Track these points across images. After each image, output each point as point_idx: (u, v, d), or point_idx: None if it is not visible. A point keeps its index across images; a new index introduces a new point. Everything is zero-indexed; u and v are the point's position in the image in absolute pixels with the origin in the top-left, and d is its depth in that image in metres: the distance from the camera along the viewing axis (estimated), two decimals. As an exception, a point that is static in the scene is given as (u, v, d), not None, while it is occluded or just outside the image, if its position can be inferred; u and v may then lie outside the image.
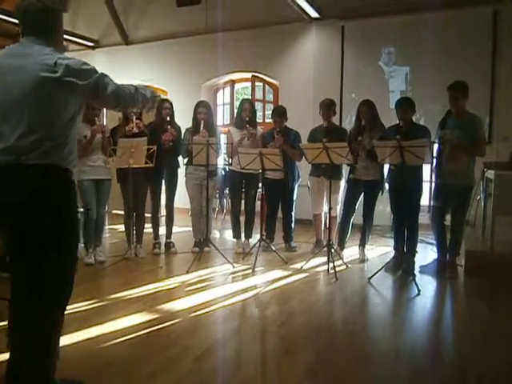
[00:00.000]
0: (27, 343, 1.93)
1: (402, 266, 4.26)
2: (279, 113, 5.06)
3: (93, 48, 9.10)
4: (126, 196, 4.66)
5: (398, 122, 4.35)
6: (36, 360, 1.94)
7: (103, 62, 8.98)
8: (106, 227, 5.66)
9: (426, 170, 4.38)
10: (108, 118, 7.46)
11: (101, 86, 1.97)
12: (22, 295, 1.97)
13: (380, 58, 6.68)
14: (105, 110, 7.19)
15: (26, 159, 1.86)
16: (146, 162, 4.36)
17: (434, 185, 4.38)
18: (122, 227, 5.12)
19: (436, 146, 4.29)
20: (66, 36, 8.59)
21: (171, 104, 4.95)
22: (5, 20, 7.54)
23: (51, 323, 1.99)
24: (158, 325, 2.99)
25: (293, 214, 5.24)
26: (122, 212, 4.87)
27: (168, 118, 4.78)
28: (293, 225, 5.29)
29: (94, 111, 4.34)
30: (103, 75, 2.01)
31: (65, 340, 2.63)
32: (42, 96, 1.86)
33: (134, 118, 4.53)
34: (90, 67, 1.98)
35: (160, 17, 8.29)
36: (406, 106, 4.29)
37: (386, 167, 4.57)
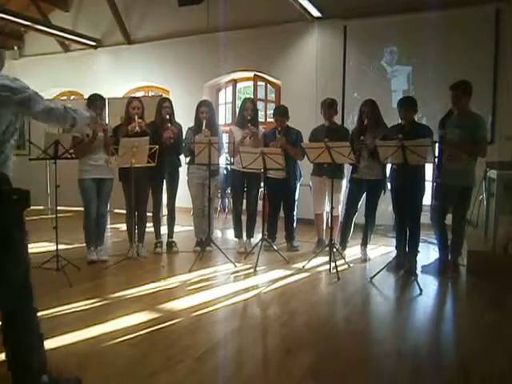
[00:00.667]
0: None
1: (403, 266, 4.26)
2: (281, 112, 5.06)
3: (95, 47, 9.10)
4: (127, 195, 4.66)
5: (400, 121, 4.34)
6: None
7: (105, 62, 9.00)
8: (108, 226, 5.67)
9: (428, 169, 4.38)
10: (110, 117, 7.46)
11: (33, 103, 2.15)
12: None
13: (382, 58, 6.67)
14: (107, 109, 7.23)
15: None
16: (148, 162, 4.36)
17: (435, 184, 4.37)
18: (123, 226, 5.12)
19: (437, 146, 4.29)
20: (68, 35, 8.63)
21: (171, 103, 4.95)
22: (10, 20, 7.57)
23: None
24: (159, 324, 2.99)
25: (295, 213, 5.23)
26: (124, 211, 4.88)
27: (168, 117, 4.78)
28: (295, 224, 5.28)
29: (96, 110, 4.34)
30: (35, 93, 2.18)
31: (66, 339, 2.65)
32: None
33: (136, 117, 4.54)
34: (22, 84, 2.15)
35: (162, 16, 8.29)
36: (408, 105, 4.29)
37: (389, 166, 4.56)
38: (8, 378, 2.04)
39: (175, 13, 7.85)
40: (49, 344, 2.35)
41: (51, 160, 4.08)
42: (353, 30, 6.76)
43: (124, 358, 2.53)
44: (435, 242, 4.70)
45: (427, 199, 4.41)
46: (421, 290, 3.74)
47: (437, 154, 4.26)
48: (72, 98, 9.59)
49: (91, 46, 9.08)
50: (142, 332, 2.86)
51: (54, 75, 9.32)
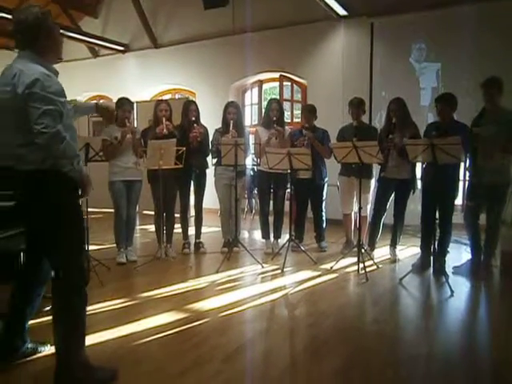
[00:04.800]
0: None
1: (428, 266, 4.19)
2: (310, 109, 5.10)
3: (123, 52, 9.29)
4: (156, 197, 4.72)
5: (437, 118, 4.25)
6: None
7: (133, 66, 9.17)
8: (137, 227, 5.76)
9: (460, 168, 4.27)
10: (139, 120, 7.59)
11: (36, 117, 2.08)
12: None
13: (410, 55, 6.55)
14: (135, 112, 7.36)
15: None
16: (176, 163, 4.41)
17: (467, 183, 4.26)
18: (152, 227, 5.20)
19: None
20: (97, 41, 8.84)
21: (196, 106, 5.00)
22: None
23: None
24: (187, 324, 3.02)
25: (323, 213, 5.20)
26: (153, 212, 4.95)
27: (193, 119, 4.83)
28: (324, 225, 5.25)
29: (124, 114, 4.43)
30: (53, 115, 2.13)
31: (96, 338, 2.70)
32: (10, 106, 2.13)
33: (164, 119, 4.60)
34: (50, 96, 2.12)
35: (188, 20, 8.39)
36: (444, 102, 4.18)
37: (418, 165, 4.48)
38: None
39: (201, 16, 7.92)
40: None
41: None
42: (380, 27, 6.66)
43: (153, 356, 2.57)
44: (467, 242, 4.59)
45: (458, 199, 4.29)
46: (452, 291, 3.65)
47: (469, 153, 4.16)
48: (101, 101, 9.81)
49: (119, 51, 9.27)
50: (170, 331, 2.90)
51: (84, 80, 9.55)
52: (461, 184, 4.62)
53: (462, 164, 4.26)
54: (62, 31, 8.86)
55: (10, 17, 7.53)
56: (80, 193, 2.30)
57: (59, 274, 2.20)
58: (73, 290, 2.21)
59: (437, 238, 4.16)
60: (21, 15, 2.17)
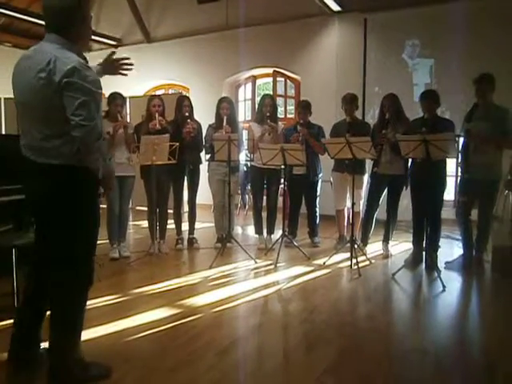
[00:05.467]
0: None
1: (420, 262, 4.22)
2: (304, 105, 5.08)
3: (116, 47, 9.21)
4: (149, 192, 4.71)
5: (422, 114, 4.28)
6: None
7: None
8: (130, 223, 5.74)
9: (451, 164, 4.29)
10: (131, 115, 7.55)
11: (77, 108, 1.96)
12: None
13: (404, 51, 6.56)
14: (128, 107, 7.31)
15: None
16: (169, 159, 4.40)
17: (459, 179, 4.28)
18: (145, 223, 5.19)
19: (462, 140, 4.20)
20: (89, 35, 8.75)
21: (190, 101, 4.99)
22: (33, 22, 7.73)
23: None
24: (180, 320, 3.02)
25: (317, 208, 5.21)
26: (146, 208, 4.93)
27: (187, 114, 4.81)
28: (317, 220, 5.26)
29: (116, 108, 4.41)
30: (95, 101, 2.04)
31: (89, 334, 2.69)
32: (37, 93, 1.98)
33: (157, 115, 4.57)
34: (91, 82, 2.02)
35: (181, 14, 8.33)
36: (430, 98, 4.22)
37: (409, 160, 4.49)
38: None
39: (194, 10, 7.88)
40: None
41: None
42: (373, 23, 6.66)
43: (146, 352, 2.57)
44: (459, 237, 4.62)
45: (450, 194, 4.32)
46: (444, 286, 3.68)
47: (460, 149, 4.18)
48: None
49: (112, 46, 9.19)
50: (163, 327, 2.90)
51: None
52: (453, 179, 4.65)
53: (454, 159, 4.29)
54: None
55: (20, 16, 7.55)
56: (103, 190, 2.24)
57: (66, 271, 2.12)
58: (79, 288, 2.16)
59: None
60: None
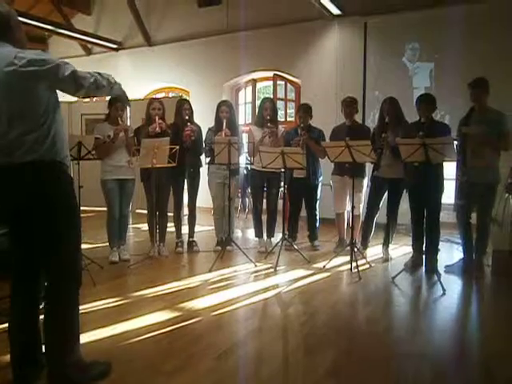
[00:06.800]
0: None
1: (420, 265, 4.23)
2: (305, 109, 5.07)
3: (116, 50, 9.24)
4: (149, 195, 4.71)
5: (418, 118, 4.28)
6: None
7: (127, 64, 9.13)
8: (130, 226, 5.74)
9: (451, 167, 4.29)
10: (131, 118, 7.56)
11: (61, 69, 2.04)
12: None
13: (403, 55, 6.58)
14: (128, 111, 7.32)
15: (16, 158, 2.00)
16: (169, 162, 4.40)
17: (458, 183, 4.28)
18: (145, 226, 5.18)
19: (458, 143, 4.21)
20: (90, 39, 8.79)
21: (190, 104, 5.00)
22: (34, 25, 7.75)
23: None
24: (180, 323, 3.02)
25: (317, 212, 5.21)
26: (146, 211, 4.93)
27: (187, 118, 4.82)
28: (317, 224, 5.26)
29: (117, 112, 4.41)
30: (63, 61, 2.10)
31: (88, 336, 2.69)
32: (10, 90, 1.98)
33: (157, 118, 4.58)
34: (49, 56, 2.10)
35: (181, 18, 8.37)
36: (427, 102, 4.22)
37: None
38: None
39: (194, 14, 7.92)
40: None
41: (74, 161, 4.15)
42: (373, 26, 6.68)
43: (146, 355, 2.56)
44: (459, 241, 4.62)
45: (449, 198, 4.32)
46: (444, 290, 3.68)
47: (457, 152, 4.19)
48: (94, 99, 9.74)
49: (113, 49, 9.22)
50: (163, 330, 2.89)
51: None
52: (453, 183, 4.65)
53: (454, 163, 4.29)
54: (53, 28, 8.79)
55: (20, 19, 7.56)
56: (124, 105, 2.32)
57: (55, 273, 2.14)
58: (68, 289, 2.16)
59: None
60: None
